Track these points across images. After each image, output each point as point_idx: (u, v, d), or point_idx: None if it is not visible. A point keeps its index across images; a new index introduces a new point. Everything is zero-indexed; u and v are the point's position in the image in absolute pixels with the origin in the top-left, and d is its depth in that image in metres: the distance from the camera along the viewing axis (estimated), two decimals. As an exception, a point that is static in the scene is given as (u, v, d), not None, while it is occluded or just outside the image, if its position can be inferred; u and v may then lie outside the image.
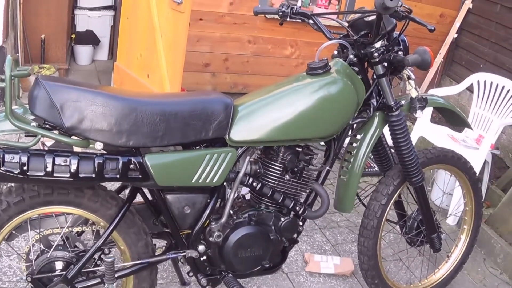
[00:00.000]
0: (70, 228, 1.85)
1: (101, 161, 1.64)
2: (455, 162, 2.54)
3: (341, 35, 2.19)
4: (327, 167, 2.14)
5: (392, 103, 2.13)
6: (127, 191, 1.93)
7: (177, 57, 3.36)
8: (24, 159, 1.56)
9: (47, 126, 1.62)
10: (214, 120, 1.77)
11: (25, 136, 1.69)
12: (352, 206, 2.26)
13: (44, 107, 1.57)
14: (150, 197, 1.94)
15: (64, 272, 1.79)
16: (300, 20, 2.33)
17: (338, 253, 2.95)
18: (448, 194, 3.26)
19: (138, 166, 1.69)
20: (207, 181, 1.82)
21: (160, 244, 2.15)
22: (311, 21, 2.27)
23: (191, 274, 2.05)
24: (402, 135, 2.21)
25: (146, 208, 1.96)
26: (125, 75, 4.06)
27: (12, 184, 1.75)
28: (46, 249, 1.84)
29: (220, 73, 4.56)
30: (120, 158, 1.67)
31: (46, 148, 1.91)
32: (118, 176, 1.67)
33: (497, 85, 3.76)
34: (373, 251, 2.39)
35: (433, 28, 1.96)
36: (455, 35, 4.96)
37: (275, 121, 1.87)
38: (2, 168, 1.54)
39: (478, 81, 3.86)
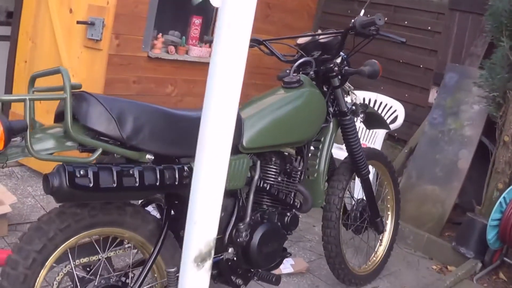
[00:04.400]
0: (108, 252, 1.78)
1: (161, 170, 1.67)
2: (380, 158, 3.00)
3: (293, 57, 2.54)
4: (303, 169, 2.41)
5: (346, 109, 2.51)
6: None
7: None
8: (95, 172, 1.52)
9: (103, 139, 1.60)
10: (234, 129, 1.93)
11: (81, 151, 1.62)
12: (323, 199, 2.54)
13: (101, 120, 1.56)
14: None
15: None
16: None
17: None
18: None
19: (188, 173, 1.75)
20: (233, 184, 1.96)
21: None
22: (262, 46, 2.59)
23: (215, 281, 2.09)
24: (353, 136, 2.61)
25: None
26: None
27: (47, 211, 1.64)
28: (90, 277, 1.73)
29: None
30: (175, 167, 1.72)
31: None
32: (176, 183, 1.70)
33: (369, 99, 4.41)
34: (338, 239, 2.70)
35: (404, 41, 2.38)
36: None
37: (276, 128, 2.13)
38: (75, 183, 1.48)
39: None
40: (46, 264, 1.60)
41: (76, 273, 1.71)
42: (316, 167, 2.49)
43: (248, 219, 2.04)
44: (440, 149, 3.95)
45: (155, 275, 1.93)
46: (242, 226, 2.02)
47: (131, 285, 1.75)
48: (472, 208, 3.67)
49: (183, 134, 1.77)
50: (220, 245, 1.99)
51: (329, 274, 2.90)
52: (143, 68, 4.53)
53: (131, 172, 1.60)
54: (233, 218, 2.01)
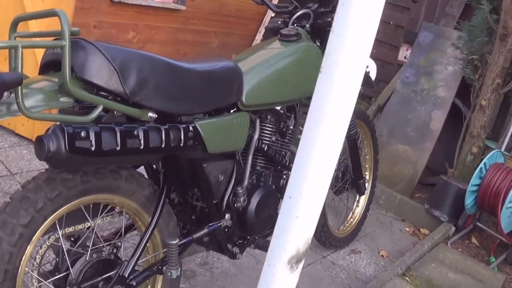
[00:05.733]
0: (96, 220, 1.57)
1: (167, 130, 1.46)
2: (362, 117, 2.89)
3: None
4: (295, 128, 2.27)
5: None
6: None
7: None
8: (97, 133, 1.29)
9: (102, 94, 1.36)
10: (235, 84, 1.76)
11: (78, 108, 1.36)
12: None
13: (102, 72, 1.32)
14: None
15: (112, 273, 1.52)
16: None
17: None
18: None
19: (193, 134, 1.56)
20: (235, 145, 1.79)
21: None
22: None
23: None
24: None
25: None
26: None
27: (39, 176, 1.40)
28: (78, 249, 1.52)
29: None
30: (180, 126, 1.51)
31: None
32: (181, 144, 1.51)
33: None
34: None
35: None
36: (273, 14, 5.39)
37: (277, 84, 1.95)
38: (75, 147, 1.25)
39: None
40: (33, 239, 1.37)
41: (64, 246, 1.49)
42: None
43: (246, 182, 1.89)
44: (412, 109, 3.90)
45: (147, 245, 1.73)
46: (240, 190, 1.86)
47: (127, 259, 1.55)
48: (442, 170, 3.67)
49: (187, 89, 1.55)
50: (217, 211, 1.83)
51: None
52: (105, 12, 4.20)
53: (135, 133, 1.38)
54: (232, 182, 1.84)
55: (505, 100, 3.78)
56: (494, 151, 3.06)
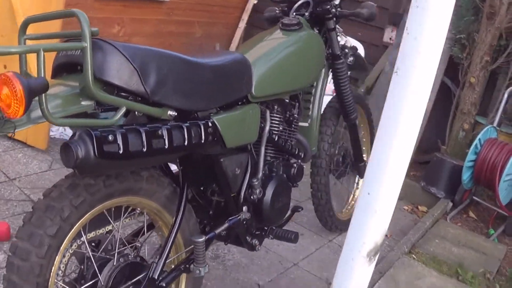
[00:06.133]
0: (119, 223, 1.56)
1: (188, 128, 1.45)
2: (360, 100, 2.91)
3: None
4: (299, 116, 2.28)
5: (339, 52, 2.37)
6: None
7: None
8: (124, 135, 1.27)
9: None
10: (245, 77, 1.76)
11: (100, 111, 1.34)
12: (317, 144, 2.44)
13: (122, 72, 1.30)
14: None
15: (140, 276, 1.52)
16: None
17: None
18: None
19: (212, 129, 1.55)
20: (249, 138, 1.80)
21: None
22: None
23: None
24: (344, 79, 2.48)
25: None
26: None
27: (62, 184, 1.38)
28: (102, 254, 1.51)
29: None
30: (200, 123, 1.50)
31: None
32: (202, 141, 1.50)
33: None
34: (328, 187, 2.64)
35: None
36: (255, 1, 5.36)
37: (285, 74, 1.96)
38: (104, 152, 1.23)
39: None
40: (61, 248, 1.35)
41: (89, 252, 1.47)
42: (310, 112, 2.37)
43: (260, 174, 1.89)
44: (401, 89, 3.93)
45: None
46: (256, 182, 1.87)
47: (154, 261, 1.54)
48: (433, 148, 3.72)
49: (203, 85, 1.54)
50: (235, 204, 1.83)
51: (311, 221, 2.85)
52: (91, 8, 4.15)
53: (160, 132, 1.37)
54: (247, 175, 1.85)
55: (491, 76, 3.84)
56: (488, 126, 3.12)
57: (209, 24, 4.93)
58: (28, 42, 1.30)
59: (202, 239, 1.57)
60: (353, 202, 3.09)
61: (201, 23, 4.76)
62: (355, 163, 2.87)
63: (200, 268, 1.58)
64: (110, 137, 1.24)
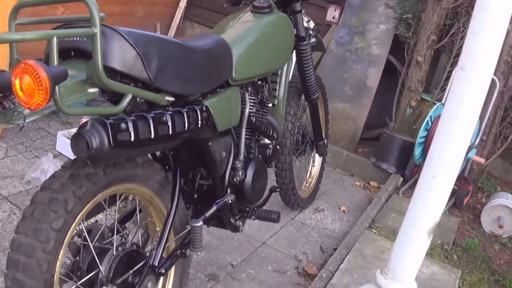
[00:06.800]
0: (116, 212, 1.52)
1: (187, 113, 1.44)
2: (318, 80, 2.97)
3: None
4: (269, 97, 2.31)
5: (304, 34, 2.41)
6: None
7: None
8: (134, 123, 1.24)
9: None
10: (228, 60, 1.76)
11: (106, 99, 1.29)
12: (284, 124, 2.48)
13: (127, 59, 1.26)
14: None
15: (140, 264, 1.49)
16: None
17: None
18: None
19: (207, 114, 1.55)
20: (234, 121, 1.83)
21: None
22: None
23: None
24: (308, 61, 2.54)
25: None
26: None
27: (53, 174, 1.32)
28: (107, 246, 1.46)
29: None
30: (196, 108, 1.49)
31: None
32: (198, 126, 1.50)
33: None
34: (292, 166, 2.69)
35: None
36: (195, -22, 5.26)
37: (262, 57, 1.99)
38: (118, 140, 1.19)
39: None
40: (65, 241, 1.29)
41: (89, 243, 1.42)
42: (277, 93, 2.41)
43: (242, 156, 1.90)
44: (348, 68, 4.04)
45: (157, 228, 1.70)
46: (238, 165, 1.88)
47: (154, 248, 1.51)
48: (379, 124, 3.87)
49: (196, 69, 1.52)
50: (221, 188, 1.82)
51: (272, 200, 2.87)
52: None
53: (164, 119, 1.35)
54: (231, 158, 1.85)
55: (433, 55, 4.03)
56: (438, 104, 3.28)
57: (151, 3, 4.91)
58: (19, 29, 1.23)
59: (200, 223, 1.56)
60: (310, 179, 3.17)
61: (143, 3, 4.73)
62: (315, 142, 2.95)
63: (198, 253, 1.58)
64: (123, 126, 1.21)
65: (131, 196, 1.58)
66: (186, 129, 1.43)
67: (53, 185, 1.28)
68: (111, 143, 1.17)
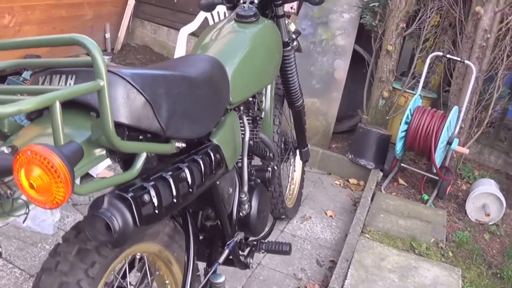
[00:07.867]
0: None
1: (204, 159, 1.26)
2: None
3: None
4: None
5: (287, 39, 2.24)
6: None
7: None
8: (156, 189, 1.05)
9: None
10: (226, 83, 1.56)
11: (115, 161, 1.07)
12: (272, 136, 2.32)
13: (135, 109, 1.04)
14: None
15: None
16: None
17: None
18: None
19: (218, 154, 1.37)
20: (238, 152, 1.64)
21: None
22: None
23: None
24: (292, 67, 2.38)
25: None
26: None
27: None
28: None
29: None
30: (208, 150, 1.31)
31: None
32: (213, 170, 1.33)
33: (224, 12, 4.07)
34: (280, 177, 2.55)
35: None
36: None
37: (256, 74, 1.81)
38: (142, 216, 0.99)
39: (212, 13, 4.08)
40: None
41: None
42: (263, 105, 2.23)
43: (246, 187, 1.72)
44: (313, 61, 3.89)
45: (166, 281, 1.51)
46: (244, 198, 1.70)
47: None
48: (346, 116, 3.76)
49: (203, 105, 1.32)
50: (230, 227, 1.64)
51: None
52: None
53: (183, 175, 1.14)
54: (237, 192, 1.67)
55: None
56: (416, 95, 3.20)
57: (99, 3, 4.63)
58: None
59: (223, 279, 1.38)
60: (293, 185, 3.02)
61: (90, 4, 4.46)
62: (298, 148, 2.81)
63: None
64: (146, 198, 1.00)
65: (138, 254, 1.37)
66: (204, 179, 1.24)
67: (61, 267, 1.06)
68: (137, 222, 0.96)
